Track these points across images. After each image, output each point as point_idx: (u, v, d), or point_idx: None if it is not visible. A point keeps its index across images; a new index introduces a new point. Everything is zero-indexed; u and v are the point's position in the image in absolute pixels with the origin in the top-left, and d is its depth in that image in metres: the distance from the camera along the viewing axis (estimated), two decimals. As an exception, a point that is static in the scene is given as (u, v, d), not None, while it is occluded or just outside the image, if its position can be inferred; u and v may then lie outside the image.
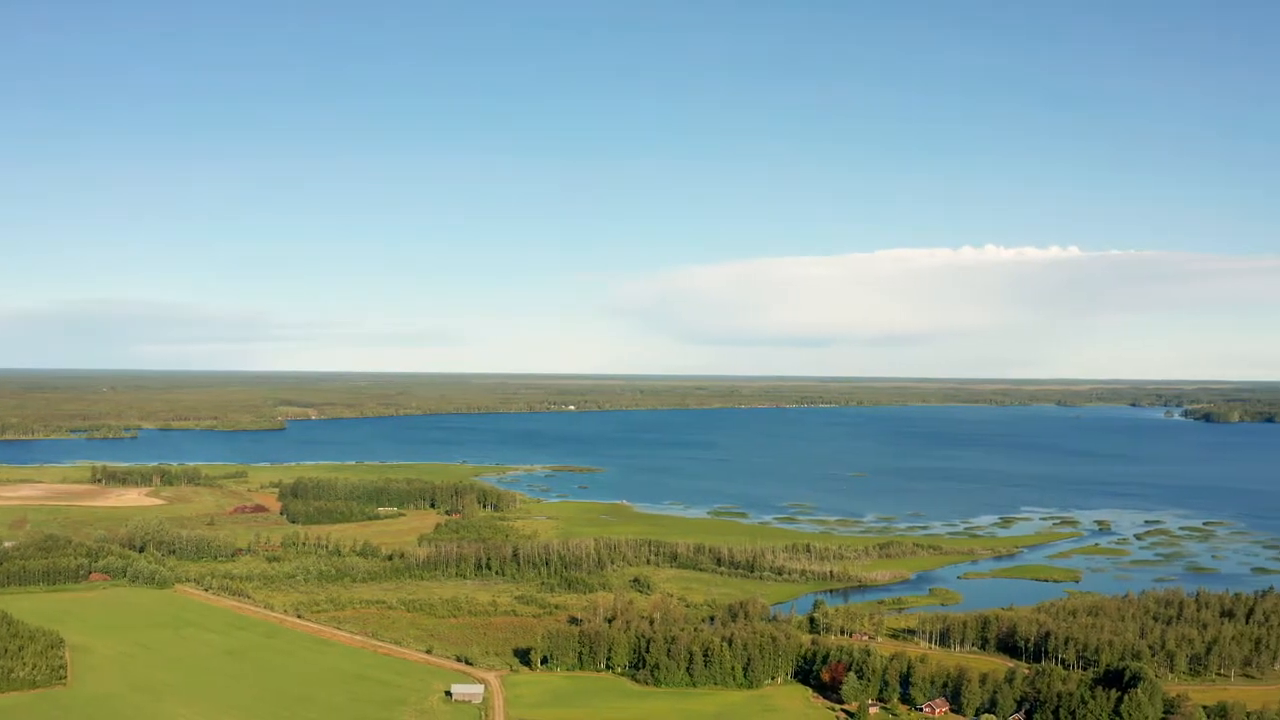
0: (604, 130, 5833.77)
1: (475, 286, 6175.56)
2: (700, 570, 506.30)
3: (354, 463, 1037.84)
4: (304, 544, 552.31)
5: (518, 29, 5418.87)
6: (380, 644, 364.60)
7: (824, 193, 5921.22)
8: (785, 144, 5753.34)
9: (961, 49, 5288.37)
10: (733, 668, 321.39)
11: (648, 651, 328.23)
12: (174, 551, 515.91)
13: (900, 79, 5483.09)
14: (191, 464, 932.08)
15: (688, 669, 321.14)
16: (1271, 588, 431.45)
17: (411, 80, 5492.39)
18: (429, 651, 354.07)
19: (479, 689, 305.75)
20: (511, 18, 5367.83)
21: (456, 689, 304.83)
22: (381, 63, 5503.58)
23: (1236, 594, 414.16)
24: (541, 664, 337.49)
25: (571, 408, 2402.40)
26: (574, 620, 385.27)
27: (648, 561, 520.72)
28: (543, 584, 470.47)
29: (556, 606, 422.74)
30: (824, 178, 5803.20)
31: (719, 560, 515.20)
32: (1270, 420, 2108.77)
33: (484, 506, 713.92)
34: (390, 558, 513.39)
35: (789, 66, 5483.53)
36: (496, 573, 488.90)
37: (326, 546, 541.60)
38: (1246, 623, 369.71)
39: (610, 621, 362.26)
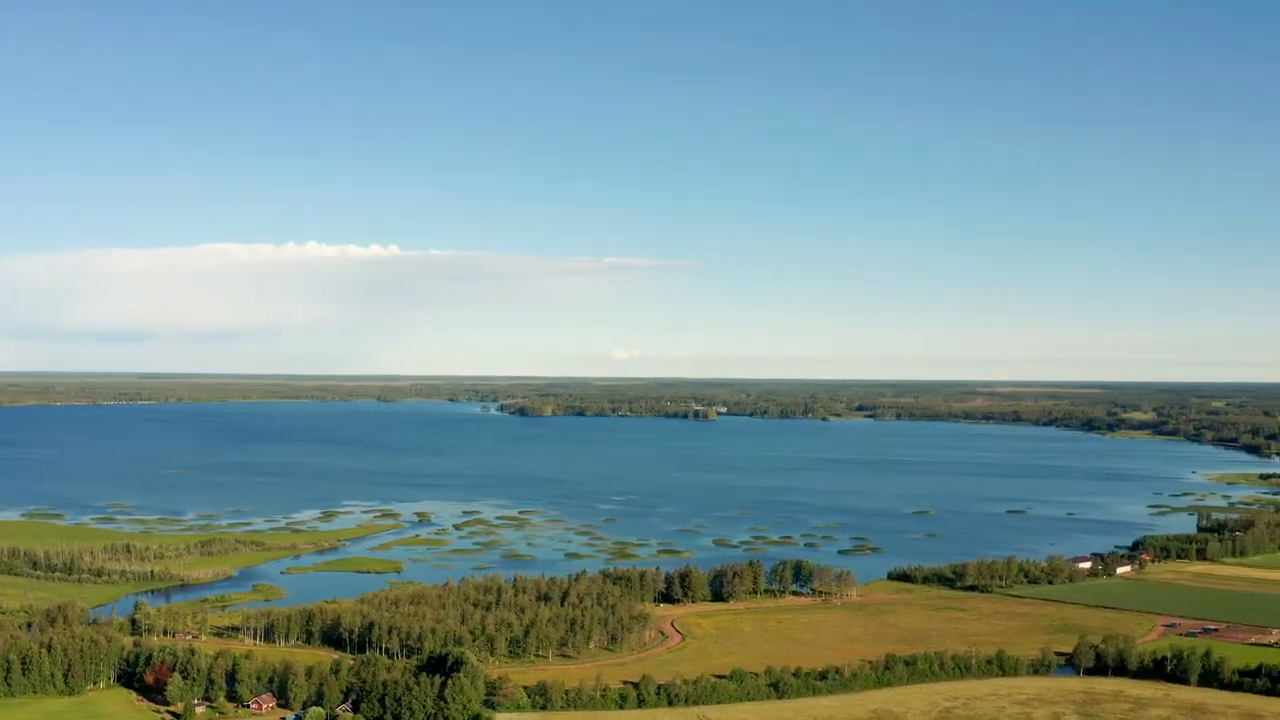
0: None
1: None
2: (15, 575, 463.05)
3: None
4: None
5: None
6: None
7: (141, 183, 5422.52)
8: (91, 132, 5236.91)
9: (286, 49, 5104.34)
10: (52, 675, 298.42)
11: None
12: None
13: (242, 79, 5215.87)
14: None
15: (5, 679, 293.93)
16: (584, 571, 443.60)
17: None
18: None
19: None
20: None
21: None
22: None
23: (551, 578, 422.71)
24: None
25: None
26: None
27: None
28: None
29: None
30: (144, 169, 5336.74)
31: (35, 563, 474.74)
32: (581, 414, 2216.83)
33: None
34: None
35: (157, 66, 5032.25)
36: None
37: None
38: (562, 605, 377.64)
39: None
